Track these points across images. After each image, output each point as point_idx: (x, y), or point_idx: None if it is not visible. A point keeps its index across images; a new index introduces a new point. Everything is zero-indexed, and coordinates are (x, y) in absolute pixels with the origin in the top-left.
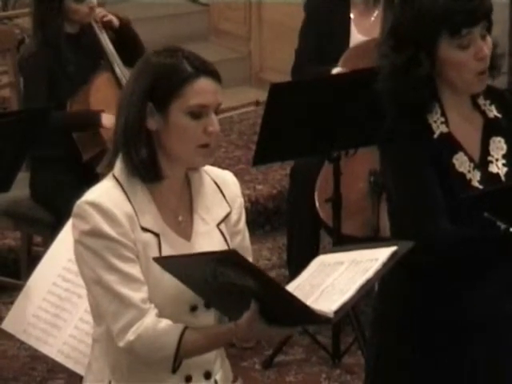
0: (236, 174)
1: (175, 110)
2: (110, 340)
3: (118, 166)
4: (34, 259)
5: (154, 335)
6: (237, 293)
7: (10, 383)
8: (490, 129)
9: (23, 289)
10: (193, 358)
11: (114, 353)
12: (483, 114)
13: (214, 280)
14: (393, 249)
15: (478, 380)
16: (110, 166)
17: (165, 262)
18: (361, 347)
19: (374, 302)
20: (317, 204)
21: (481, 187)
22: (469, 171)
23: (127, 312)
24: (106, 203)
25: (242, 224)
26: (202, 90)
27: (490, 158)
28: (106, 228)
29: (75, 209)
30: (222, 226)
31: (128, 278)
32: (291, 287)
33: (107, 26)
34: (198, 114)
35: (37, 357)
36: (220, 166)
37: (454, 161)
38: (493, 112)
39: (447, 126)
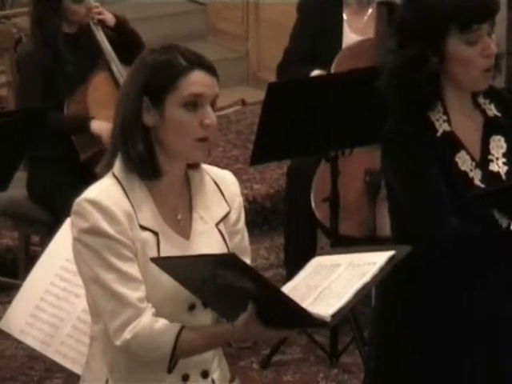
0: (233, 174)
1: (170, 104)
2: (107, 338)
3: (118, 165)
4: (31, 259)
5: (150, 334)
6: (234, 294)
7: (8, 383)
8: (490, 127)
9: (21, 288)
10: (190, 357)
11: (112, 351)
12: (483, 112)
13: (211, 281)
14: (390, 253)
15: (477, 380)
16: (109, 166)
17: (162, 262)
18: (358, 347)
19: (373, 301)
20: (313, 204)
21: (482, 186)
22: (470, 170)
23: (124, 311)
24: (105, 201)
25: (241, 224)
26: (196, 81)
27: (490, 157)
28: (105, 226)
29: (74, 206)
30: (221, 226)
31: (126, 277)
32: (287, 288)
33: (102, 24)
34: (192, 104)
35: (34, 356)
36: (217, 166)
37: (457, 159)
38: (492, 111)
39: (449, 124)
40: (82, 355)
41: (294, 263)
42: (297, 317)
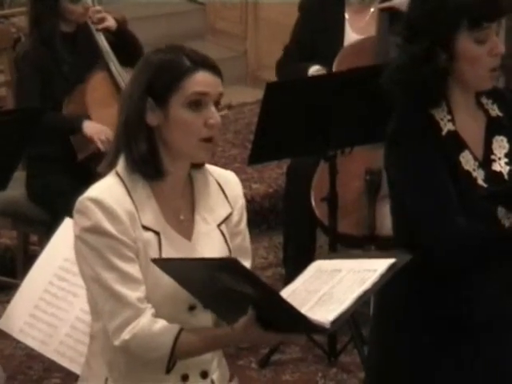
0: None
1: (175, 104)
2: (107, 337)
3: (121, 164)
4: (30, 258)
5: (149, 335)
6: (234, 298)
7: (7, 382)
8: (493, 128)
9: (19, 288)
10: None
11: (112, 350)
12: (486, 112)
13: (212, 285)
14: (391, 261)
15: (480, 380)
16: (112, 165)
17: (163, 263)
18: (357, 346)
19: (372, 301)
20: (313, 203)
21: (485, 185)
22: (474, 169)
23: (124, 311)
24: (107, 200)
25: (243, 225)
26: (200, 81)
27: (493, 157)
28: (107, 225)
29: (77, 204)
30: (223, 227)
31: (126, 277)
32: (287, 291)
33: (106, 30)
34: (196, 104)
35: (33, 356)
36: (216, 165)
37: (461, 159)
38: (495, 111)
39: (454, 124)
40: (81, 355)
41: (292, 262)
42: (296, 323)
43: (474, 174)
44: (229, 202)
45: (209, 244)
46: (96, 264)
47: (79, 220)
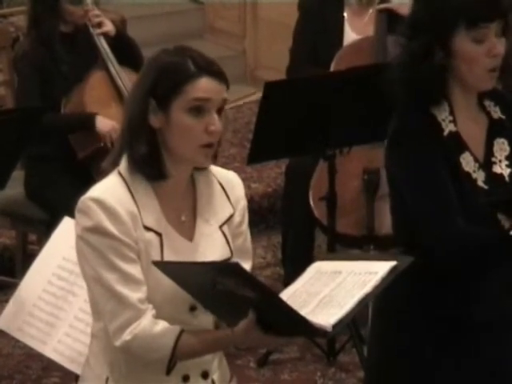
0: None
1: (176, 108)
2: (108, 337)
3: (124, 163)
4: (29, 257)
5: (150, 336)
6: (235, 301)
7: (5, 381)
8: (495, 130)
9: (18, 287)
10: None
11: (112, 350)
12: (488, 114)
13: (213, 288)
14: (392, 263)
15: (480, 380)
16: (115, 163)
17: (164, 266)
18: (356, 345)
19: (373, 301)
20: (311, 202)
21: (486, 187)
22: (474, 171)
23: (124, 312)
24: (109, 200)
25: (245, 226)
26: (202, 87)
27: (493, 159)
28: (109, 226)
29: (79, 204)
30: (225, 228)
31: (128, 278)
32: (287, 293)
33: (104, 35)
34: (198, 109)
35: (32, 355)
36: (214, 164)
37: (461, 160)
38: (497, 113)
39: (455, 125)
40: (80, 354)
41: (291, 262)
42: (298, 326)
43: (474, 175)
44: (231, 203)
45: (210, 245)
46: (97, 264)
47: (81, 220)
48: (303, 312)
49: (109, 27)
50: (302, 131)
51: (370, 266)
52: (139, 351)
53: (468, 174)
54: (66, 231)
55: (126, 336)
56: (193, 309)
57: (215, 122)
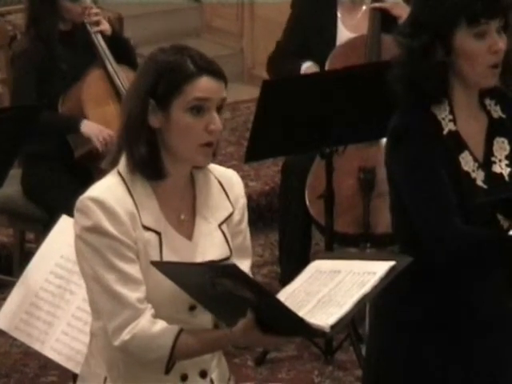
0: None
1: (176, 108)
2: (107, 336)
3: (123, 163)
4: (26, 256)
5: (149, 336)
6: (233, 301)
7: (2, 380)
8: (495, 129)
9: (15, 285)
10: None
11: (111, 349)
12: (488, 113)
13: (211, 288)
14: (391, 263)
15: (479, 380)
16: (114, 163)
17: (163, 266)
18: (353, 344)
19: (371, 300)
20: (307, 201)
21: (485, 187)
22: (473, 170)
23: (123, 312)
24: (108, 200)
25: (244, 224)
26: (202, 87)
27: (493, 159)
28: (108, 226)
29: (78, 204)
30: (224, 226)
31: (126, 278)
32: (286, 293)
33: (100, 33)
34: (198, 109)
35: (29, 353)
36: (212, 163)
37: (460, 159)
38: (498, 112)
39: (455, 124)
40: (77, 352)
41: (288, 260)
42: (296, 327)
43: (473, 174)
44: (230, 201)
45: (209, 244)
46: (96, 264)
47: (80, 219)
48: (302, 311)
49: (105, 26)
50: (300, 129)
51: (368, 266)
52: (138, 351)
53: (467, 174)
54: (63, 229)
55: (125, 336)
56: (192, 308)
57: (215, 121)
